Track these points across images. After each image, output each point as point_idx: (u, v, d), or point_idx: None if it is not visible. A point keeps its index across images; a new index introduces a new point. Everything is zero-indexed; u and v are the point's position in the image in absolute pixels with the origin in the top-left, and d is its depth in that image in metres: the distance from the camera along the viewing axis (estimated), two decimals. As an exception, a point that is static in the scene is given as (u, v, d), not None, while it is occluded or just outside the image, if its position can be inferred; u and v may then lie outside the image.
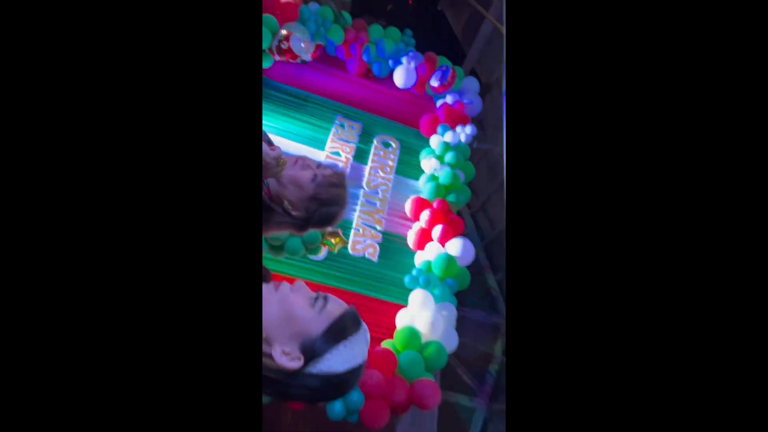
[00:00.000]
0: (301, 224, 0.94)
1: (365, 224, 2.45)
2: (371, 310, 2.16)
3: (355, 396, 1.73)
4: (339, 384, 0.56)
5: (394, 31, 2.76)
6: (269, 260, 2.08)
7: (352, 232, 2.41)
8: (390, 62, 2.76)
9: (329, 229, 2.23)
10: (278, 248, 2.07)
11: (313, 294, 0.59)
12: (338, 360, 0.55)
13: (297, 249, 2.10)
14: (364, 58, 2.73)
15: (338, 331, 0.56)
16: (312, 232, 2.10)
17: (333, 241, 2.16)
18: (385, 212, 2.52)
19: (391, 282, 2.29)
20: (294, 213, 0.91)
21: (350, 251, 2.36)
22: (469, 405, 3.69)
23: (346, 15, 2.68)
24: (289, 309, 0.56)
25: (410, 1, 3.32)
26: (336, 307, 0.59)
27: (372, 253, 2.40)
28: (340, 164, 2.53)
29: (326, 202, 0.91)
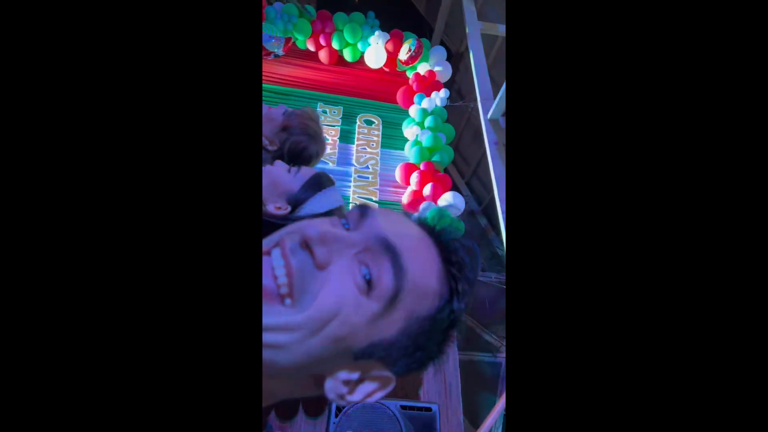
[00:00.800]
0: (279, 157, 1.00)
1: (361, 197, 2.60)
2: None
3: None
4: None
5: (358, 15, 2.90)
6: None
7: (350, 206, 2.55)
8: (359, 45, 2.90)
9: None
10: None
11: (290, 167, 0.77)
12: (317, 204, 0.69)
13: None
14: (334, 46, 2.88)
15: (313, 185, 0.71)
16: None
17: (332, 213, 2.30)
18: (377, 184, 2.66)
19: (393, 245, 2.42)
20: (270, 148, 0.99)
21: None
22: (494, 360, 3.80)
23: (310, 8, 2.83)
24: (274, 178, 0.73)
25: None
26: (308, 170, 0.75)
27: (371, 223, 2.53)
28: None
29: (298, 131, 1.00)
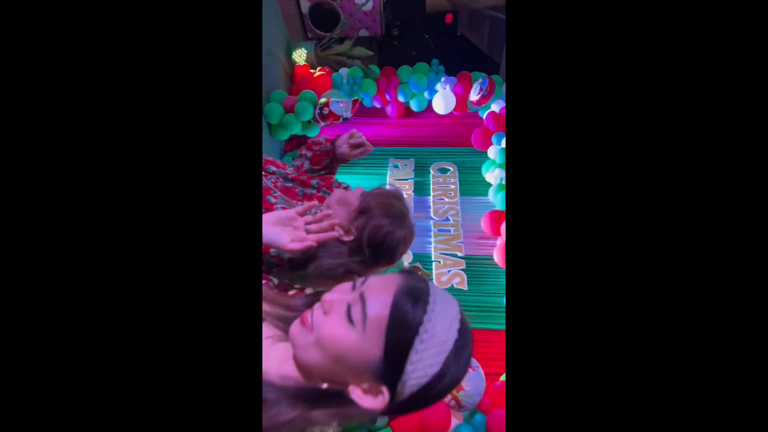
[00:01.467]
0: (357, 251, 0.79)
1: (444, 254, 2.33)
2: (475, 342, 1.94)
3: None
4: (443, 386, 0.43)
5: (422, 65, 2.84)
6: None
7: (434, 265, 2.29)
8: (426, 94, 2.80)
9: (407, 266, 2.15)
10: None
11: (346, 304, 0.44)
12: (426, 363, 0.41)
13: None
14: (401, 98, 2.81)
15: (402, 333, 0.41)
16: (389, 270, 2.04)
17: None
18: (461, 236, 2.38)
19: (489, 308, 2.07)
20: (346, 239, 0.80)
21: (436, 284, 2.22)
22: None
23: (374, 67, 2.84)
24: (331, 346, 0.43)
25: (448, 20, 3.42)
26: (379, 307, 0.42)
27: (460, 282, 2.23)
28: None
29: (378, 213, 0.78)
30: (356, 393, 0.44)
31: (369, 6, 3.02)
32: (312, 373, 0.45)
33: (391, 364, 0.42)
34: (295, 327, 0.46)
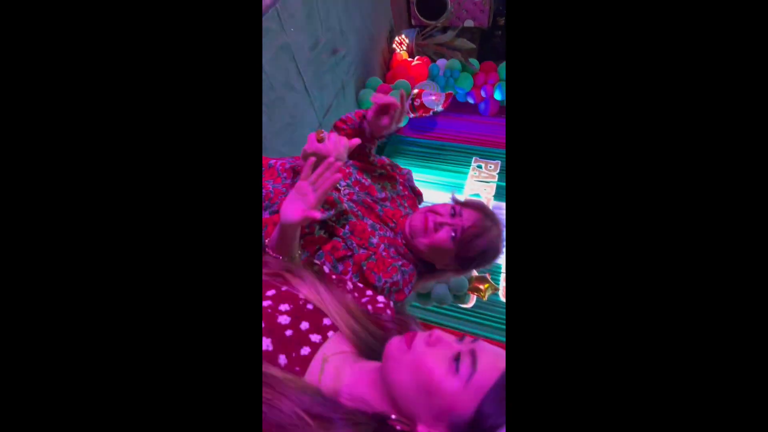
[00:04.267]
0: (462, 270, 0.84)
1: (517, 268, 2.20)
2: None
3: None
4: None
5: (525, 63, 2.64)
6: (415, 306, 2.04)
7: (503, 276, 2.18)
8: (525, 94, 2.61)
9: (475, 274, 2.08)
10: (424, 297, 2.01)
11: (455, 351, 0.43)
12: None
13: (444, 297, 2.00)
14: (497, 97, 2.66)
15: (493, 414, 0.39)
16: (458, 279, 1.99)
17: (482, 287, 1.98)
18: (539, 253, 2.22)
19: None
20: (450, 271, 0.84)
21: (502, 298, 2.11)
22: None
23: (474, 61, 2.72)
24: (427, 377, 0.42)
25: None
26: (489, 370, 0.41)
27: (529, 300, 2.09)
28: (480, 197, 2.40)
29: (476, 256, 0.78)
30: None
31: (480, -5, 2.87)
32: (392, 392, 0.43)
33: (480, 425, 0.40)
34: (396, 341, 0.46)
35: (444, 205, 0.82)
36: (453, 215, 0.78)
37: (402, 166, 1.02)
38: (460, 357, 0.42)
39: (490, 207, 0.90)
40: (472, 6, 2.95)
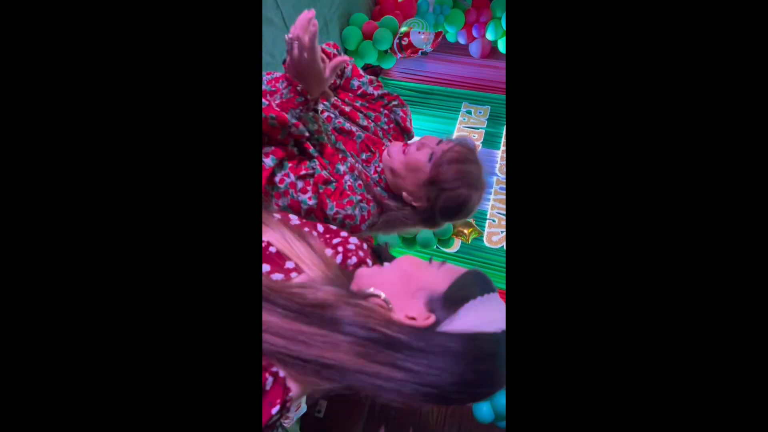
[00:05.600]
0: (428, 216, 0.79)
1: (501, 213, 2.24)
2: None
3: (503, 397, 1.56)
4: (486, 355, 0.41)
5: None
6: (399, 252, 2.10)
7: (487, 222, 2.23)
8: (518, 34, 2.49)
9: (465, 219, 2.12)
10: (409, 240, 2.06)
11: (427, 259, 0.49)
12: (475, 319, 0.42)
13: (429, 241, 2.05)
14: (489, 37, 2.53)
15: (467, 287, 0.45)
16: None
17: (465, 231, 2.03)
18: (523, 199, 2.25)
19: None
20: (416, 204, 0.78)
21: (486, 243, 2.18)
22: None
23: (466, -4, 2.55)
24: (405, 269, 0.47)
25: None
26: (456, 267, 0.48)
27: (511, 244, 2.17)
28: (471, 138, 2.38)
29: (448, 183, 0.73)
30: (399, 316, 0.43)
31: None
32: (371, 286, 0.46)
33: (452, 296, 0.44)
34: (366, 269, 0.52)
35: (432, 137, 0.81)
36: (438, 143, 0.78)
37: (391, 94, 0.94)
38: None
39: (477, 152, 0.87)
40: (466, -69, 2.69)
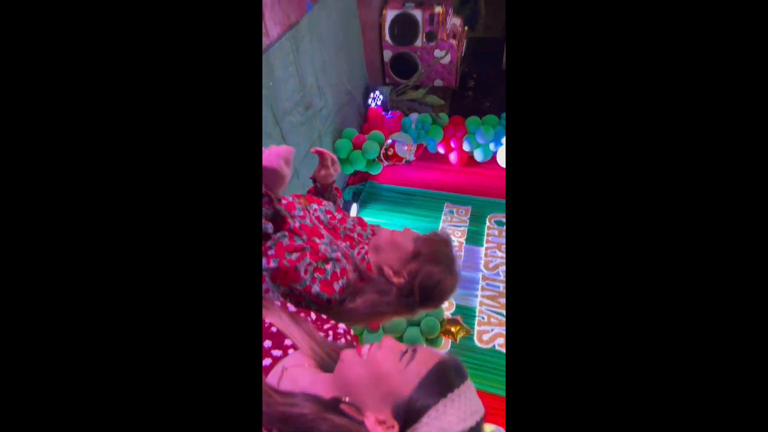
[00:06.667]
0: (407, 294, 0.82)
1: (490, 311, 2.21)
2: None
3: None
4: None
5: (491, 118, 2.87)
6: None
7: (476, 320, 2.18)
8: (492, 145, 2.80)
9: (447, 316, 2.07)
10: (397, 338, 1.98)
11: (403, 347, 0.51)
12: (439, 425, 0.43)
13: (416, 339, 1.97)
14: (465, 148, 2.85)
15: (434, 386, 0.46)
16: (429, 319, 1.98)
17: (453, 329, 1.98)
18: (510, 295, 2.25)
19: (531, 379, 1.89)
20: (395, 280, 0.82)
21: (477, 342, 2.10)
22: None
23: (443, 116, 2.94)
24: (376, 368, 0.49)
25: None
26: (428, 356, 0.49)
27: (503, 343, 2.09)
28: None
29: (429, 259, 0.80)
30: (370, 420, 0.46)
31: (447, 60, 3.18)
32: (346, 385, 0.49)
33: (413, 405, 0.45)
34: (349, 351, 0.53)
35: (413, 231, 0.89)
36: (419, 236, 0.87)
37: (369, 223, 1.02)
38: (406, 351, 0.51)
39: (462, 250, 0.95)
40: (441, 68, 3.24)
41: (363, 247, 0.89)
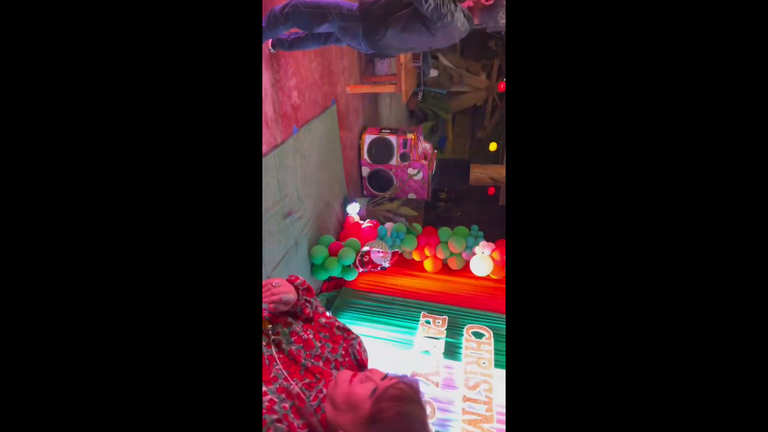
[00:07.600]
0: None
1: (473, 439, 1.97)
2: None
3: None
4: None
5: (461, 229, 3.03)
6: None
7: (458, 451, 1.92)
8: (464, 255, 2.90)
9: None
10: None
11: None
12: None
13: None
14: (439, 255, 2.93)
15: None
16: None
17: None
18: (494, 419, 2.04)
19: None
20: None
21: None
22: None
23: (417, 226, 3.08)
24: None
25: (490, 192, 3.83)
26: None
27: (490, 483, 1.81)
28: (417, 377, 2.26)
29: (388, 424, 0.68)
30: None
31: (419, 177, 3.49)
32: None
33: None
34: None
35: (377, 371, 0.79)
36: (383, 378, 0.75)
37: (351, 331, 0.96)
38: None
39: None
40: (414, 183, 3.54)
41: (321, 391, 0.80)
